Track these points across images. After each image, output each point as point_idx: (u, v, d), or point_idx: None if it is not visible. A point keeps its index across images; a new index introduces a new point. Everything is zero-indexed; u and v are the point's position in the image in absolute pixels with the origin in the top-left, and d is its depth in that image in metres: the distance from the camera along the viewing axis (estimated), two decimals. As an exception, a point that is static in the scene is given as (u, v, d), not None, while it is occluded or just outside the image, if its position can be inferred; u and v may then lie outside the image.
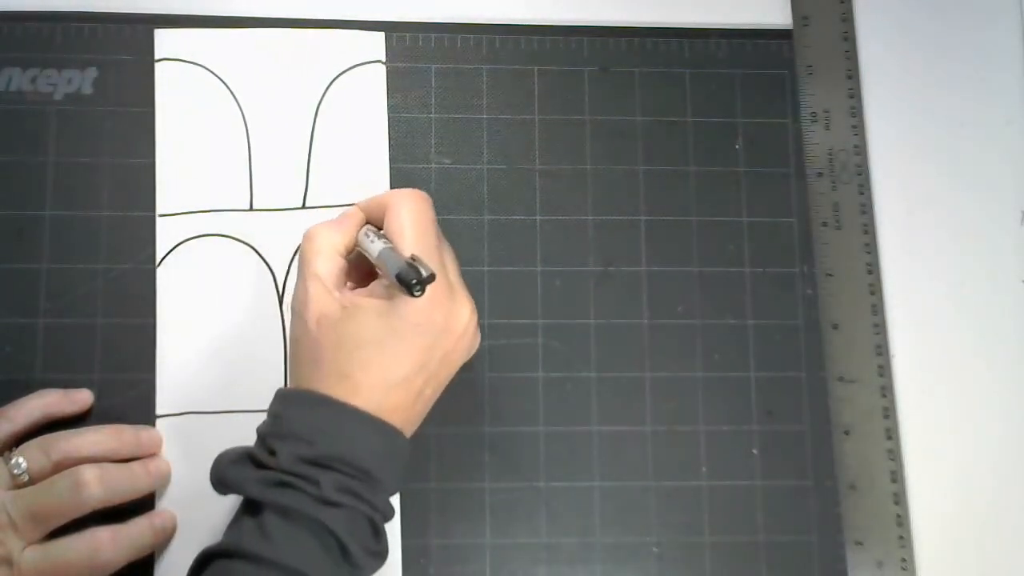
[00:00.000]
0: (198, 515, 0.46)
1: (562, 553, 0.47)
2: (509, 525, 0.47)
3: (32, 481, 0.42)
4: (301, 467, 0.37)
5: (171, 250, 0.49)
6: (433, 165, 0.51)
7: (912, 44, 0.54)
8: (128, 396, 0.47)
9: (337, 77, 0.51)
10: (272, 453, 0.37)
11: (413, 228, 0.40)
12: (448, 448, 0.48)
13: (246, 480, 0.37)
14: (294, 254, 0.49)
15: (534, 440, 0.48)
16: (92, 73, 0.50)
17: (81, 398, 0.46)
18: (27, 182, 0.49)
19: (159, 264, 0.48)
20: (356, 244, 0.42)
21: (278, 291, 0.49)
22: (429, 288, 0.37)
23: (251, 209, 0.49)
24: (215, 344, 0.48)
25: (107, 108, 0.50)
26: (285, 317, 0.48)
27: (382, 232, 0.41)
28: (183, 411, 0.47)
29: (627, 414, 0.49)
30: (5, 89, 0.50)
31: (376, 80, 0.51)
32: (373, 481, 0.37)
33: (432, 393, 0.41)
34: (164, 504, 0.46)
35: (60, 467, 0.42)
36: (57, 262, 0.48)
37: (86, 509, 0.42)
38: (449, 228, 0.50)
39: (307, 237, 0.41)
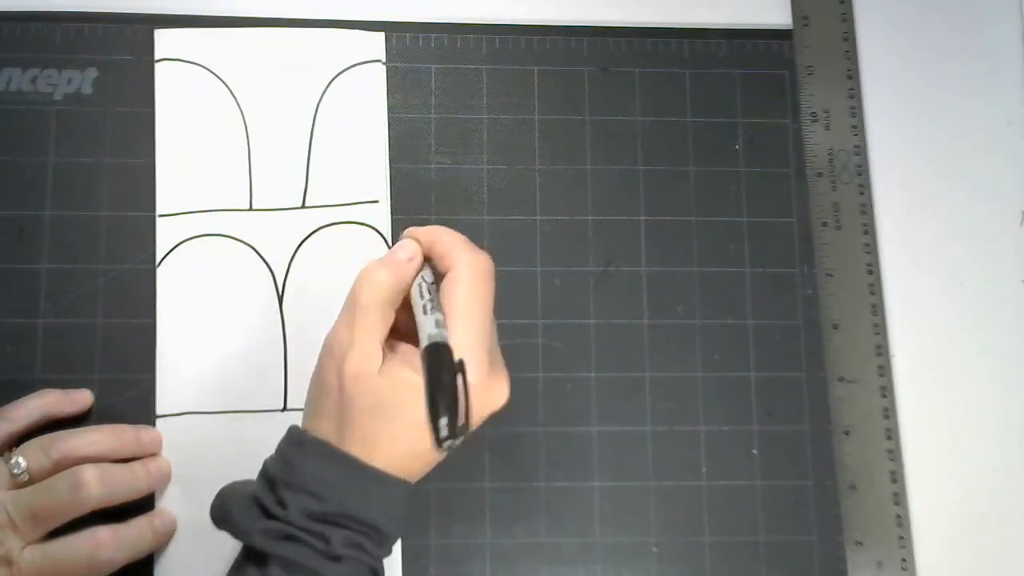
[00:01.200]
0: (198, 515, 0.46)
1: (562, 553, 0.47)
2: (509, 525, 0.47)
3: (32, 481, 0.42)
4: (311, 523, 0.36)
5: (171, 250, 0.49)
6: (433, 165, 0.51)
7: (912, 44, 0.54)
8: (128, 396, 0.47)
9: (337, 76, 0.51)
10: (282, 503, 0.36)
11: (468, 311, 0.37)
12: (448, 448, 0.48)
13: (253, 530, 0.36)
14: (293, 254, 0.49)
15: (534, 440, 0.48)
16: (92, 73, 0.50)
17: (81, 398, 0.46)
18: (27, 182, 0.49)
19: (159, 264, 0.48)
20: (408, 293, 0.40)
21: (278, 291, 0.49)
22: (473, 376, 0.36)
23: (251, 209, 0.49)
24: (215, 344, 0.48)
25: (107, 108, 0.50)
26: (285, 317, 0.48)
27: (435, 289, 0.39)
28: (183, 411, 0.47)
29: (627, 414, 0.49)
30: (5, 89, 0.50)
31: (376, 80, 0.51)
32: (381, 536, 0.37)
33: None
34: (164, 504, 0.46)
35: (60, 467, 0.42)
36: (57, 262, 0.48)
37: (86, 509, 0.42)
38: (449, 228, 0.50)
39: (365, 279, 0.39)
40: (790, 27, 0.54)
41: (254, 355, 0.48)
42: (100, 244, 0.49)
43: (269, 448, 0.47)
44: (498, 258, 0.50)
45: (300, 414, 0.46)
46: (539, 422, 0.48)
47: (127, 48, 0.51)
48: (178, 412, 0.47)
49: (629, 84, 0.52)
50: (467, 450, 0.48)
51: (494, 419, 0.39)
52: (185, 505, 0.46)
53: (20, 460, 0.42)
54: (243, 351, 0.48)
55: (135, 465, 0.45)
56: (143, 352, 0.48)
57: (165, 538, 0.45)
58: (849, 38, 0.54)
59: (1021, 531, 0.49)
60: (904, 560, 0.48)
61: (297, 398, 0.47)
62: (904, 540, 0.48)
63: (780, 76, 0.53)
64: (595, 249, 0.50)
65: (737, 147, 0.52)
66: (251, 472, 0.44)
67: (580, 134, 0.52)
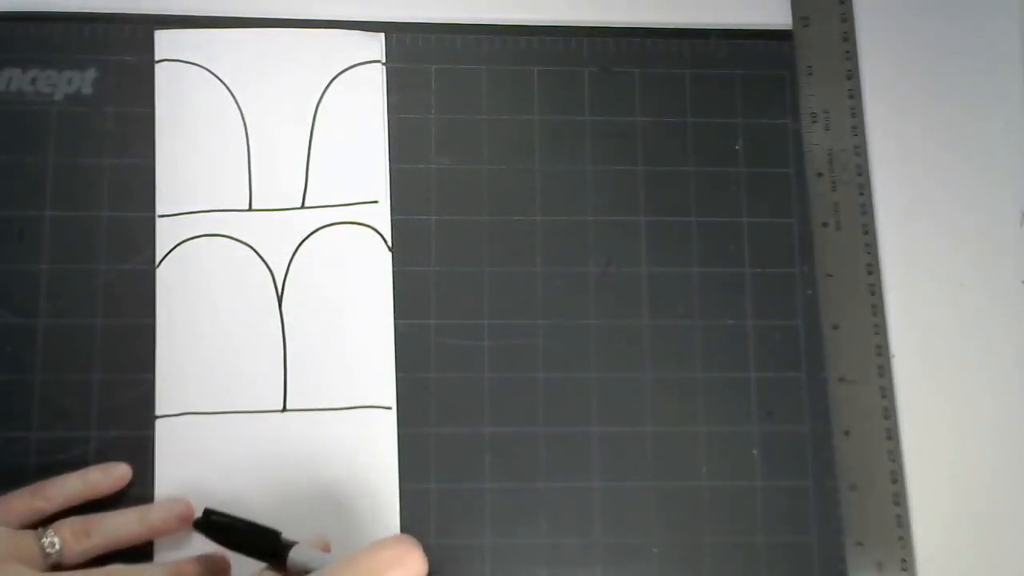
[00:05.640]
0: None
1: (562, 554, 0.47)
2: (509, 525, 0.47)
3: (63, 562, 0.41)
4: None
5: (170, 250, 0.49)
6: (433, 165, 0.51)
7: (912, 44, 0.54)
8: (128, 396, 0.47)
9: (336, 77, 0.51)
10: None
11: None
12: (448, 448, 0.48)
13: None
14: (293, 254, 0.49)
15: (534, 440, 0.48)
16: (92, 73, 0.50)
17: (120, 473, 0.45)
18: (27, 182, 0.49)
19: (158, 264, 0.48)
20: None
21: (277, 291, 0.49)
22: None
23: (250, 209, 0.49)
24: (215, 344, 0.48)
25: (107, 108, 0.50)
26: (284, 317, 0.48)
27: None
28: (182, 412, 0.47)
29: (627, 414, 0.49)
30: (5, 89, 0.50)
31: (375, 80, 0.51)
32: None
33: None
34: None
35: (90, 552, 0.42)
36: (57, 262, 0.48)
37: None
38: (449, 228, 0.50)
39: None
40: (790, 27, 0.54)
41: (253, 355, 0.48)
42: (100, 244, 0.49)
43: (269, 449, 0.47)
44: (498, 258, 0.50)
45: (299, 415, 0.47)
46: (539, 422, 0.48)
47: (127, 48, 0.51)
48: (177, 412, 0.47)
49: (629, 84, 0.52)
50: (467, 450, 0.48)
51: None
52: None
53: (55, 540, 0.41)
54: (243, 351, 0.48)
55: (157, 568, 0.44)
56: (143, 352, 0.48)
57: None
58: (849, 38, 0.54)
59: (1021, 531, 0.49)
60: (904, 560, 0.48)
61: (296, 399, 0.47)
62: (904, 540, 0.48)
63: (780, 76, 0.53)
64: (595, 249, 0.50)
65: (737, 147, 0.52)
66: (250, 473, 0.44)
67: (580, 134, 0.52)
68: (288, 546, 0.40)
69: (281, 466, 0.47)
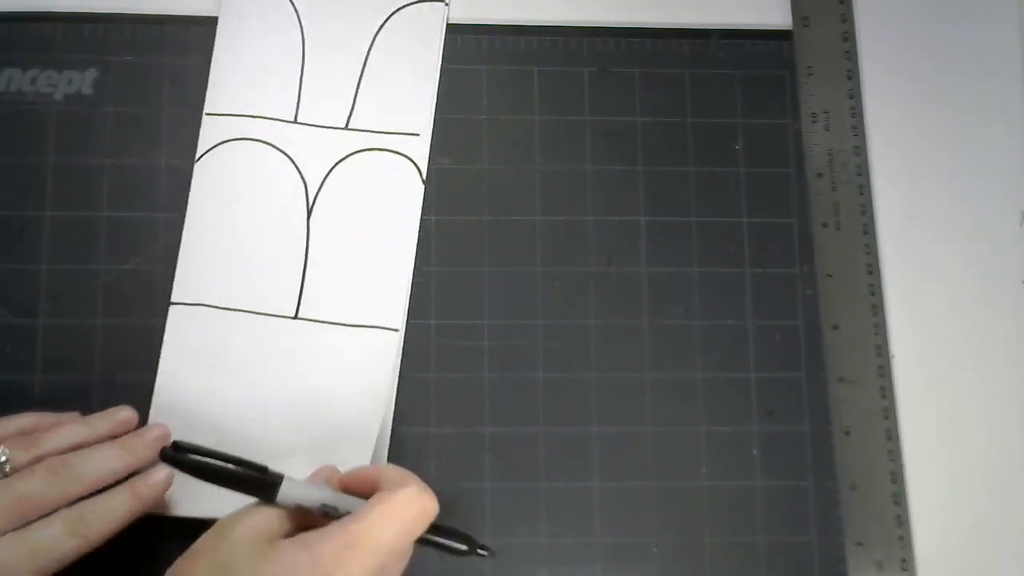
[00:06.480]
0: (194, 401, 0.47)
1: (562, 553, 0.47)
2: (509, 525, 0.47)
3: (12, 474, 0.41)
4: None
5: (211, 148, 0.49)
6: (433, 165, 0.51)
7: (912, 44, 0.54)
8: (128, 396, 0.47)
9: (398, 9, 0.52)
10: None
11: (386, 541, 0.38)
12: (448, 448, 0.48)
13: None
14: (329, 171, 0.50)
15: (534, 440, 0.48)
16: (92, 73, 0.50)
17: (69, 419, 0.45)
18: (27, 182, 0.49)
19: (198, 159, 0.49)
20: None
21: (308, 203, 0.49)
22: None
23: (295, 121, 0.50)
24: (239, 244, 0.49)
25: (107, 108, 0.50)
26: (311, 229, 0.49)
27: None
28: (196, 302, 0.48)
29: (627, 414, 0.49)
30: (5, 89, 0.50)
31: (436, 18, 0.52)
32: None
33: None
34: (160, 391, 0.47)
35: (43, 458, 0.42)
36: (57, 262, 0.48)
37: (66, 499, 0.41)
38: (449, 228, 0.50)
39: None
40: (790, 27, 0.54)
41: (275, 260, 0.49)
42: (100, 244, 0.49)
43: (272, 352, 0.48)
44: (498, 258, 0.50)
45: (309, 324, 0.48)
46: (539, 422, 0.48)
47: (127, 48, 0.51)
48: (192, 302, 0.48)
49: (629, 84, 0.52)
50: (467, 450, 0.48)
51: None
52: (182, 394, 0.47)
53: (3, 450, 0.41)
54: (265, 255, 0.49)
55: (107, 447, 0.43)
56: (143, 352, 0.48)
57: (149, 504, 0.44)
58: (849, 38, 0.54)
59: (1021, 531, 0.49)
60: (904, 560, 0.48)
61: (309, 308, 0.48)
62: (904, 540, 0.48)
63: (780, 76, 0.53)
64: (595, 249, 0.51)
65: (737, 147, 0.52)
66: (251, 371, 0.47)
67: (580, 134, 0.52)
68: (276, 480, 0.38)
69: (282, 370, 0.47)
